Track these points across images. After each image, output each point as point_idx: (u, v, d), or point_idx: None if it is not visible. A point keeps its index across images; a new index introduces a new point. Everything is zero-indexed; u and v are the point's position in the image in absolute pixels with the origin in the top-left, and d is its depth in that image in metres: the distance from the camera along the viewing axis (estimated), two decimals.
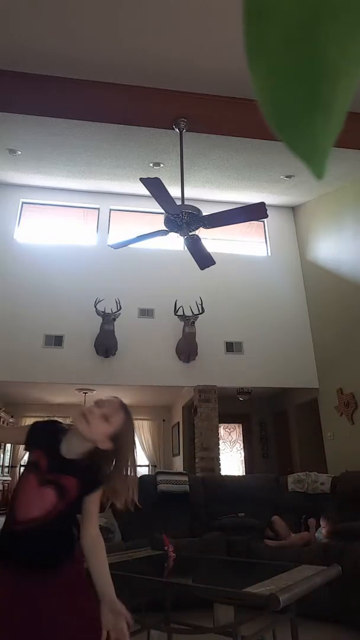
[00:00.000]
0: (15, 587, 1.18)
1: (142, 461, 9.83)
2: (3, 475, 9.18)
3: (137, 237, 4.43)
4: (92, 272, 6.94)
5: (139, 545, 3.07)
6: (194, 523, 4.00)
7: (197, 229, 4.24)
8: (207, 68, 3.88)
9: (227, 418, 8.29)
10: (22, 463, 9.97)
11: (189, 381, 6.67)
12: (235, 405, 8.12)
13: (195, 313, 6.43)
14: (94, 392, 8.23)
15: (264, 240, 7.91)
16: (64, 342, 6.50)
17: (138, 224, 7.25)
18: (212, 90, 4.15)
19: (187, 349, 6.49)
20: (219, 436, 6.65)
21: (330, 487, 3.99)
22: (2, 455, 9.20)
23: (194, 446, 6.81)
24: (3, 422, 9.25)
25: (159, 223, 4.36)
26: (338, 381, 6.31)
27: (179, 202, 4.08)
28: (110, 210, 7.61)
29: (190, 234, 4.23)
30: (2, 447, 9.18)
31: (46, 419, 1.45)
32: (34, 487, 1.24)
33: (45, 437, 1.31)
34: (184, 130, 4.55)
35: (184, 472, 5.50)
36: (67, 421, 1.46)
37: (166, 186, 3.71)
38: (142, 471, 9.03)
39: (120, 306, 6.40)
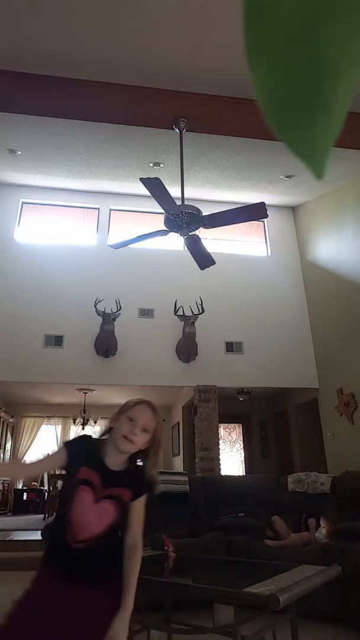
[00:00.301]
0: (67, 597, 1.20)
1: None
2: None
3: (137, 237, 4.42)
4: (92, 272, 6.94)
5: None
6: (194, 523, 4.00)
7: (197, 229, 4.24)
8: (207, 68, 3.88)
9: (227, 418, 8.29)
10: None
11: (189, 381, 6.67)
12: (235, 405, 8.12)
13: (195, 313, 6.44)
14: (94, 392, 8.24)
15: (264, 240, 7.91)
16: (64, 342, 6.50)
17: (138, 224, 7.25)
18: (212, 90, 4.15)
19: (187, 349, 6.50)
20: (219, 436, 6.65)
21: (330, 487, 3.99)
22: (2, 455, 9.20)
23: (194, 446, 6.81)
24: (3, 422, 9.26)
25: (159, 223, 4.36)
26: (338, 381, 6.31)
27: (179, 202, 4.08)
28: (110, 210, 7.61)
29: (190, 234, 4.23)
30: (2, 447, 9.18)
31: (79, 434, 1.44)
32: (91, 504, 1.26)
33: (85, 453, 1.32)
34: (184, 130, 4.55)
35: (184, 472, 5.50)
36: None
37: (166, 186, 3.70)
38: None
39: (120, 306, 6.40)
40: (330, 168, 5.73)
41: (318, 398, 6.87)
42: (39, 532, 3.48)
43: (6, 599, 1.20)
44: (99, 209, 7.58)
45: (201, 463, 6.25)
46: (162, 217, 4.17)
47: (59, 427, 10.44)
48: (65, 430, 10.39)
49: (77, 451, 1.31)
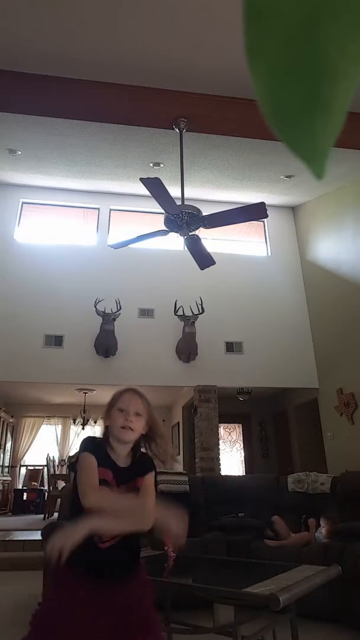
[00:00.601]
0: (95, 596, 1.22)
1: None
2: (3, 475, 9.18)
3: (137, 237, 4.42)
4: (92, 272, 6.94)
5: None
6: (194, 523, 3.98)
7: (197, 229, 4.23)
8: (207, 68, 3.88)
9: (227, 418, 8.29)
10: (22, 463, 9.98)
11: (189, 381, 6.67)
12: (235, 405, 8.12)
13: (195, 313, 6.44)
14: (94, 392, 8.23)
15: (264, 240, 7.91)
16: (64, 342, 6.50)
17: (138, 224, 7.25)
18: (212, 90, 4.15)
19: (187, 349, 6.49)
20: (219, 436, 6.65)
21: (330, 487, 3.99)
22: (2, 455, 9.20)
23: (194, 446, 6.81)
24: (3, 422, 9.25)
25: (159, 223, 4.36)
26: (338, 381, 6.31)
27: (179, 202, 4.08)
28: (110, 210, 7.61)
29: (190, 234, 4.23)
30: (2, 447, 9.18)
31: (85, 437, 1.43)
32: None
33: (97, 454, 1.33)
34: (184, 130, 4.55)
35: (184, 472, 5.50)
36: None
37: (166, 186, 3.70)
38: None
39: (120, 306, 6.40)
40: (330, 168, 5.73)
41: (318, 398, 6.87)
42: (39, 532, 3.47)
43: (6, 599, 1.20)
44: (99, 209, 7.58)
45: (201, 463, 6.25)
46: (162, 217, 4.17)
47: (59, 427, 10.43)
48: (65, 431, 10.39)
49: (97, 453, 1.33)
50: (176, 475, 4.39)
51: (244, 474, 8.48)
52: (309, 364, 6.99)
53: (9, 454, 9.69)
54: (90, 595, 1.22)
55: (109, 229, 7.52)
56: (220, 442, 6.89)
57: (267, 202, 4.25)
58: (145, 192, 3.84)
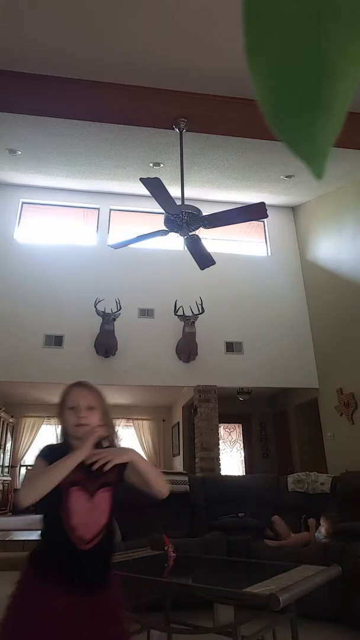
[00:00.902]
0: (68, 608, 1.15)
1: None
2: (3, 475, 9.18)
3: (137, 237, 4.42)
4: (92, 272, 6.95)
5: (138, 545, 3.07)
6: (194, 523, 4.00)
7: (197, 229, 4.23)
8: (207, 68, 3.88)
9: (227, 418, 8.29)
10: (22, 463, 9.98)
11: (189, 381, 6.67)
12: (235, 405, 8.12)
13: (195, 313, 6.44)
14: None
15: (264, 240, 7.91)
16: (64, 342, 6.50)
17: (138, 224, 7.25)
18: (212, 90, 4.15)
19: (187, 349, 6.49)
20: (219, 436, 6.65)
21: (330, 487, 3.99)
22: (2, 455, 9.20)
23: (194, 446, 6.81)
24: (3, 422, 9.25)
25: (159, 223, 4.36)
26: (338, 381, 6.31)
27: (179, 202, 4.08)
28: (110, 210, 7.61)
29: (190, 234, 4.23)
30: (2, 447, 9.18)
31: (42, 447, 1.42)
32: (88, 501, 1.25)
33: (55, 459, 1.27)
34: (184, 130, 4.55)
35: (184, 472, 5.50)
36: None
37: (166, 186, 3.70)
38: None
39: (120, 306, 6.40)
40: (330, 168, 5.73)
41: (318, 398, 6.87)
42: (39, 532, 3.48)
43: (6, 599, 1.20)
44: (99, 209, 7.58)
45: (201, 463, 6.25)
46: (162, 217, 4.17)
47: (59, 427, 10.42)
48: None
49: (54, 459, 1.27)
50: (176, 475, 4.39)
51: (244, 474, 8.48)
52: (309, 364, 6.99)
53: (9, 454, 9.69)
54: (64, 607, 1.14)
55: (109, 229, 7.52)
56: (220, 442, 6.89)
57: (267, 202, 4.25)
58: (145, 192, 3.84)
